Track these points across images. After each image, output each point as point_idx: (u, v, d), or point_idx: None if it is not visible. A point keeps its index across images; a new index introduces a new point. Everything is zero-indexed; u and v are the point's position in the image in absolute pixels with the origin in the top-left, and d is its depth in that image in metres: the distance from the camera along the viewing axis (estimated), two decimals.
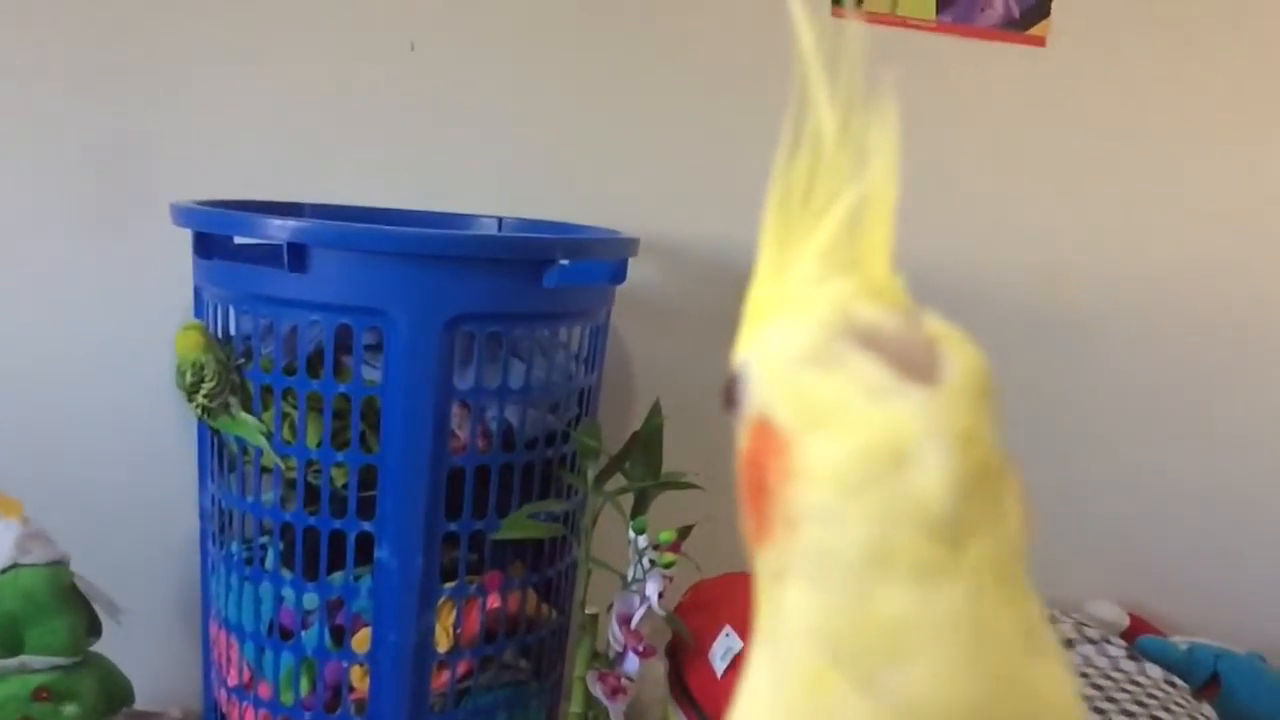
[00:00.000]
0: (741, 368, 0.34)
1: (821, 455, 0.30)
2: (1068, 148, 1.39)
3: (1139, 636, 1.37)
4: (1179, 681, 1.20)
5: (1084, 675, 1.22)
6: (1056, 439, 1.46)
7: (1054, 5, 1.33)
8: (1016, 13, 1.34)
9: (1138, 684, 1.21)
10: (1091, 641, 1.29)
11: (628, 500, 1.05)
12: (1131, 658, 1.26)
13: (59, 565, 1.05)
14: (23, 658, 1.01)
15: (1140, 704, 1.15)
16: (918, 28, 1.32)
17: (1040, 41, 1.35)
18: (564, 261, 0.99)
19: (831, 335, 0.32)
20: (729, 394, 0.35)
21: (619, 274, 1.07)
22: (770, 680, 0.31)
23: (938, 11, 1.33)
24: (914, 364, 0.30)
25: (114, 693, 1.07)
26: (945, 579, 0.28)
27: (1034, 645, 0.29)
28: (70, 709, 1.02)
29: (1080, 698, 0.31)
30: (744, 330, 0.35)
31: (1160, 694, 1.16)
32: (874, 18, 1.30)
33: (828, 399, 0.30)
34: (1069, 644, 1.28)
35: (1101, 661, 1.26)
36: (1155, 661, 1.24)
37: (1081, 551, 1.48)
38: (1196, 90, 1.38)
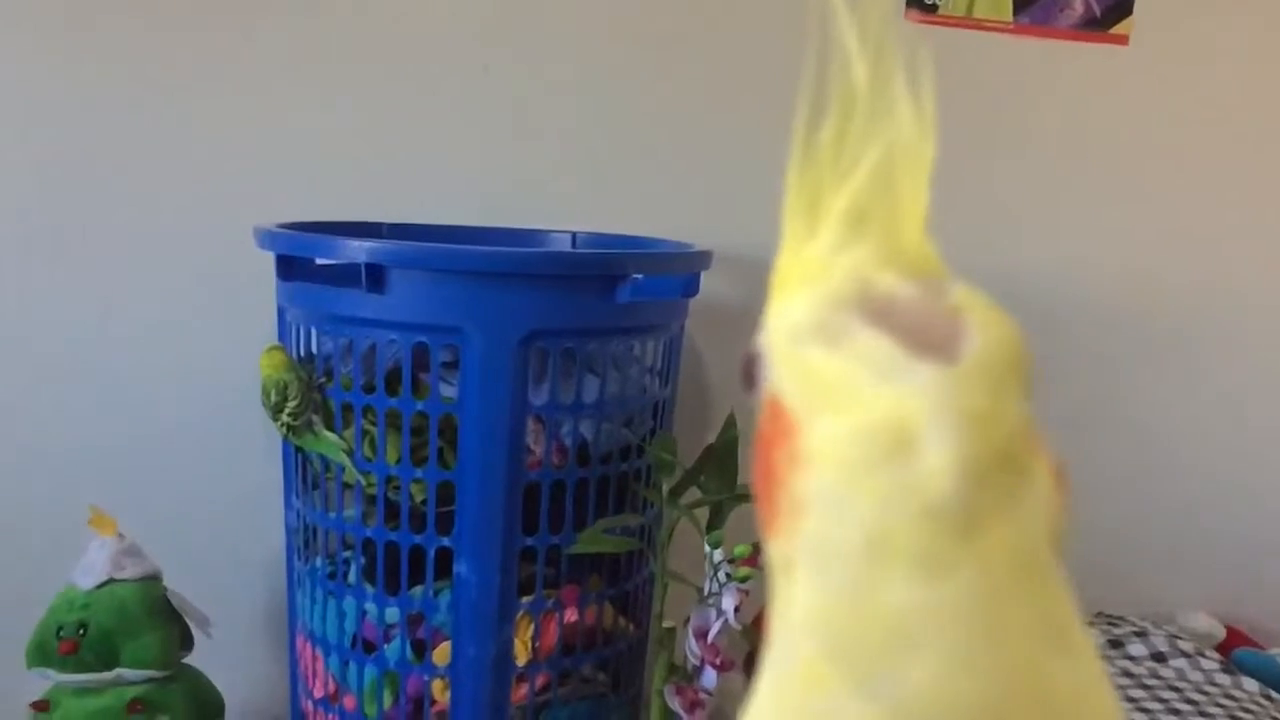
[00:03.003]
0: (759, 345, 0.32)
1: (825, 438, 0.28)
2: (1154, 150, 1.36)
3: (1235, 649, 1.34)
4: (1276, 695, 1.16)
5: (1177, 690, 1.19)
6: (1149, 448, 1.42)
7: (1136, 3, 1.31)
8: (1098, 11, 1.31)
9: (1233, 698, 1.17)
10: (1185, 655, 1.26)
11: (704, 514, 1.05)
12: (1227, 671, 1.22)
13: (152, 580, 1.08)
14: (118, 670, 1.04)
15: (1235, 719, 1.11)
16: (995, 30, 1.30)
17: (1123, 40, 1.32)
18: (637, 276, 1.00)
19: (840, 308, 0.29)
20: (746, 373, 0.32)
21: (692, 287, 1.07)
22: (773, 678, 0.29)
23: (1015, 13, 1.30)
24: (932, 338, 0.28)
25: (205, 705, 1.10)
26: (951, 571, 0.26)
27: (1059, 643, 0.27)
28: None
29: (1115, 702, 0.28)
30: (769, 304, 0.33)
31: (1256, 708, 1.13)
32: (950, 21, 1.29)
33: (832, 378, 0.28)
34: (1161, 657, 1.25)
35: (1195, 675, 1.22)
36: (1252, 675, 1.20)
37: (1176, 562, 1.45)
38: None
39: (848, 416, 0.28)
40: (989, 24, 1.30)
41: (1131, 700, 1.16)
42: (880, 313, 0.29)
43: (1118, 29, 1.31)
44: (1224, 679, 1.22)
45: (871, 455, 0.27)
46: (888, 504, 0.27)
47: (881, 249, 0.31)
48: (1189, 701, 1.16)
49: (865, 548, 0.27)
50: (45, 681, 1.05)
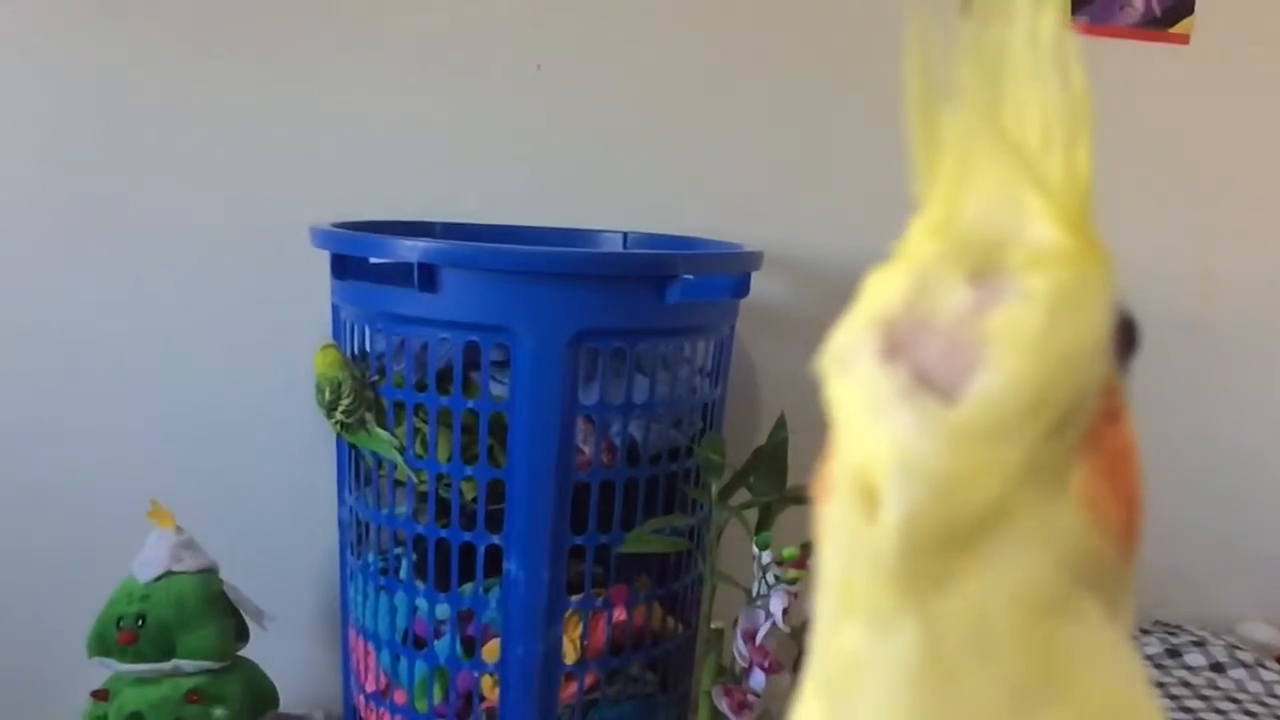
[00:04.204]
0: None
1: (835, 470, 0.27)
2: (1215, 150, 1.33)
3: None
4: None
5: (1236, 701, 1.17)
6: (1209, 453, 1.40)
7: (1198, 2, 1.28)
8: (1158, 10, 1.29)
9: None
10: (1245, 665, 1.23)
11: (753, 515, 1.05)
12: None
13: (209, 573, 1.10)
14: (175, 661, 1.06)
15: None
16: None
17: (1184, 40, 1.30)
18: (687, 276, 1.00)
19: (867, 328, 0.27)
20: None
21: (742, 288, 1.07)
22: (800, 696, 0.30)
23: (1074, 12, 1.29)
24: (950, 368, 0.25)
25: (260, 696, 1.12)
26: (894, 628, 0.26)
27: (1031, 701, 0.26)
28: (219, 711, 1.06)
29: None
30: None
31: None
32: None
33: (841, 409, 0.27)
34: (1220, 667, 1.23)
35: (1255, 686, 1.20)
36: None
37: (1235, 570, 1.42)
38: None
39: (843, 453, 0.27)
40: None
41: (1189, 711, 1.14)
42: (910, 332, 0.27)
43: (1178, 28, 1.29)
44: None
45: (846, 499, 0.26)
46: (851, 552, 0.26)
47: (963, 235, 0.28)
48: (1248, 713, 1.14)
49: (836, 589, 0.27)
50: (105, 670, 1.08)
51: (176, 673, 1.07)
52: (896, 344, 0.27)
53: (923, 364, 0.26)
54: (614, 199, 1.28)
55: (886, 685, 0.26)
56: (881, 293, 0.28)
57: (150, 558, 1.08)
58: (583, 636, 1.04)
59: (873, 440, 0.26)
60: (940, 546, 0.25)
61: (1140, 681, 0.28)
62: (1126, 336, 0.28)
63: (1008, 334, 0.25)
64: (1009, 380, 0.25)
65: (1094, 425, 0.27)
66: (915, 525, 0.25)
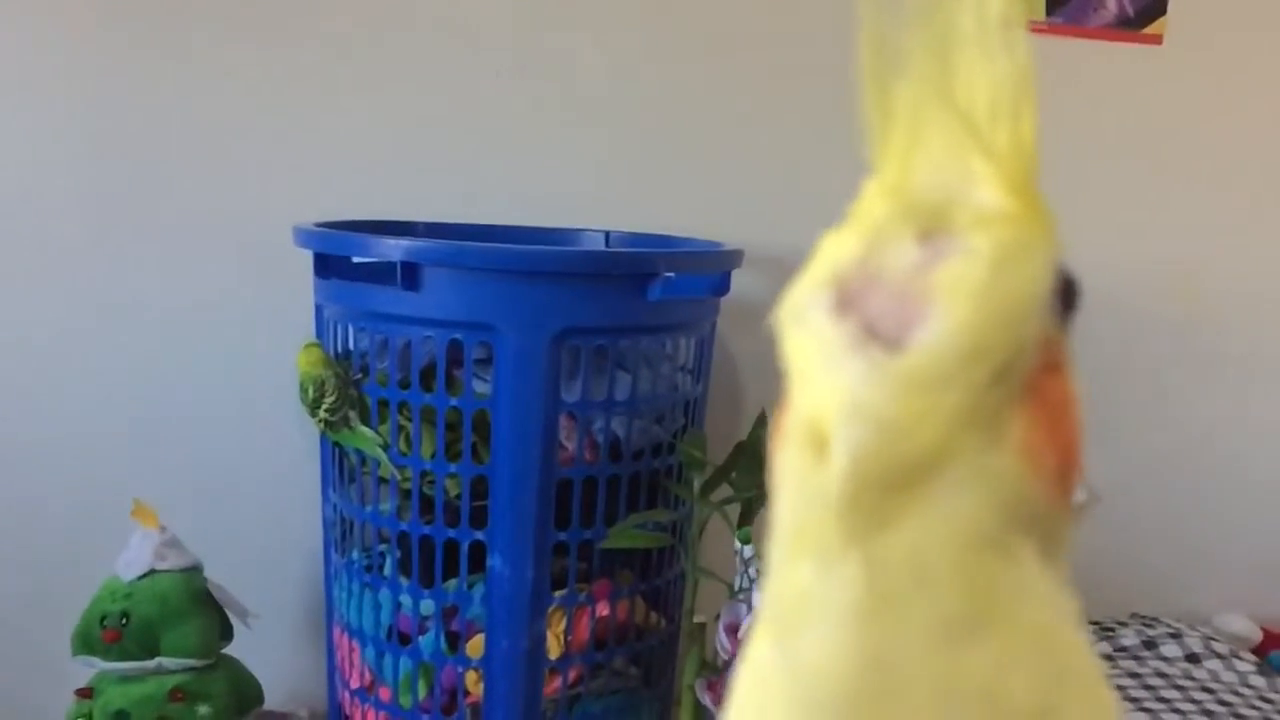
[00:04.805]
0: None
1: (788, 419, 0.28)
2: (1188, 149, 1.35)
3: (1272, 651, 1.33)
4: None
5: (1210, 691, 1.18)
6: (1187, 446, 1.42)
7: (1170, 3, 1.30)
8: (1131, 11, 1.31)
9: (1268, 700, 1.17)
10: (1220, 656, 1.25)
11: (734, 510, 1.06)
12: (1262, 673, 1.22)
13: (193, 571, 1.11)
14: (159, 659, 1.06)
15: None
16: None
17: (1157, 40, 1.31)
18: (668, 274, 1.01)
19: (820, 282, 0.29)
20: None
21: (722, 286, 1.08)
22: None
23: (1048, 13, 1.30)
24: (897, 320, 0.27)
25: (245, 693, 1.12)
26: (838, 564, 0.27)
27: (972, 633, 0.27)
28: (204, 709, 1.07)
29: (1048, 685, 0.28)
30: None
31: None
32: None
33: (795, 360, 0.28)
34: (1195, 658, 1.25)
35: (1230, 677, 1.22)
36: None
37: (1212, 562, 1.44)
38: None
39: (797, 402, 0.28)
40: None
41: (1164, 701, 1.16)
42: (861, 287, 0.28)
43: (1151, 29, 1.31)
44: (1259, 681, 1.21)
45: (799, 446, 0.28)
46: (802, 495, 0.28)
47: (914, 197, 0.29)
48: (1222, 703, 1.16)
49: (790, 530, 0.28)
50: (89, 669, 1.08)
51: (160, 670, 1.07)
52: (848, 299, 0.28)
53: (872, 317, 0.27)
54: (596, 198, 1.29)
55: (831, 616, 0.27)
56: (835, 251, 0.29)
57: (134, 556, 1.09)
58: (566, 631, 1.05)
59: (824, 389, 0.27)
60: (884, 487, 0.27)
61: (1070, 618, 0.29)
62: (1067, 294, 0.30)
63: (952, 287, 0.27)
64: (951, 329, 0.26)
65: (1034, 377, 0.28)
66: (861, 467, 0.26)
